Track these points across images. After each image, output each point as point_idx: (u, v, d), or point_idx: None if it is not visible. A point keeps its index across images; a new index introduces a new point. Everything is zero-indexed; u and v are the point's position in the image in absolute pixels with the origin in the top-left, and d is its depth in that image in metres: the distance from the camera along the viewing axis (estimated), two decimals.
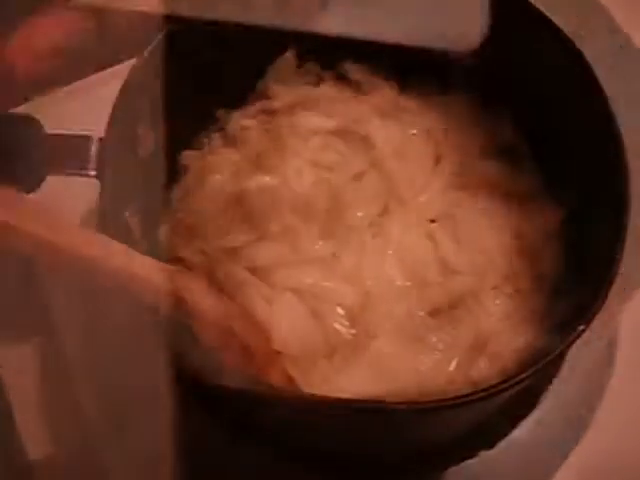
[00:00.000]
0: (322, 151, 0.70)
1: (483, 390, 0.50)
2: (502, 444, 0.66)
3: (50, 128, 0.59)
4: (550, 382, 0.68)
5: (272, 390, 0.54)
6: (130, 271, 0.51)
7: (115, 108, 0.58)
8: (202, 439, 0.66)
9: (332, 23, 0.55)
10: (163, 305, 0.52)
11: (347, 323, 0.62)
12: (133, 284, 0.51)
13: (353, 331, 0.62)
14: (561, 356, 0.55)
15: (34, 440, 0.68)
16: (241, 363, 0.57)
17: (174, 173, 0.70)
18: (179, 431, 0.66)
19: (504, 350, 0.62)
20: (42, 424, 0.69)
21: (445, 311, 0.64)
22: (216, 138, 0.71)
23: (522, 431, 0.67)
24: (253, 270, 0.63)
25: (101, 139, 0.57)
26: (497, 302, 0.65)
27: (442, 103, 0.73)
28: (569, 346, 0.52)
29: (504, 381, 0.50)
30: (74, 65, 0.81)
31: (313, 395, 0.55)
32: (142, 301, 0.52)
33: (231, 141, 0.70)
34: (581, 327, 0.51)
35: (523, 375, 0.50)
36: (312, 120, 0.71)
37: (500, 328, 0.63)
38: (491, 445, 0.66)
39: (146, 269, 0.52)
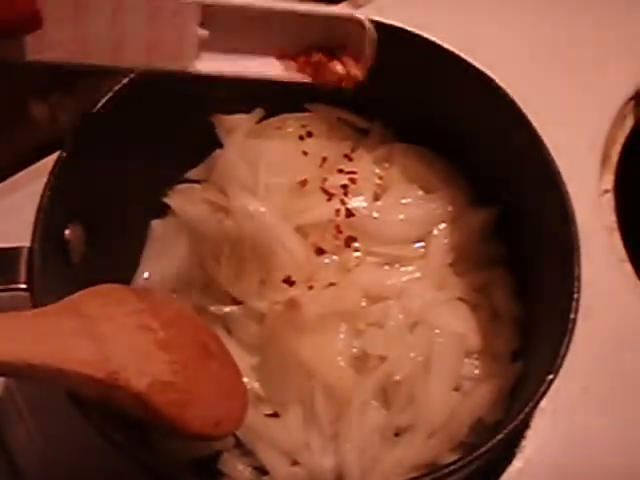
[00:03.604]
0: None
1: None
2: None
3: None
4: (527, 428, 0.66)
5: None
6: None
7: (38, 214, 0.56)
8: None
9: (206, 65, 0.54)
10: None
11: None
12: None
13: None
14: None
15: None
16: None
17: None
18: None
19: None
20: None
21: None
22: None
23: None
24: None
25: (29, 249, 0.55)
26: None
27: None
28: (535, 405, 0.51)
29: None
30: None
31: None
32: None
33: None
34: (550, 377, 0.51)
35: (477, 454, 0.50)
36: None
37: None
38: None
39: None
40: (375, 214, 0.66)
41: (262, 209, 0.64)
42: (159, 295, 0.64)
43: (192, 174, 0.71)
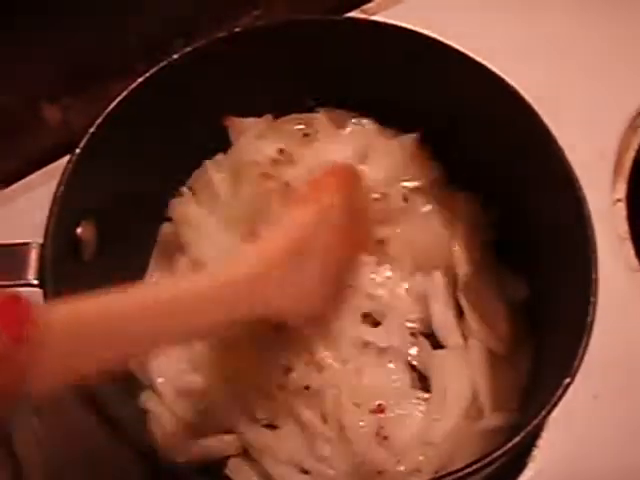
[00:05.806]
0: None
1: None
2: None
3: None
4: (539, 437, 0.65)
5: None
6: None
7: (51, 210, 0.56)
8: None
9: None
10: None
11: None
12: None
13: None
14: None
15: None
16: None
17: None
18: None
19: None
20: None
21: None
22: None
23: None
24: None
25: (42, 245, 0.55)
26: None
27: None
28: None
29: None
30: None
31: None
32: None
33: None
34: (567, 380, 0.50)
35: (492, 457, 0.48)
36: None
37: None
38: None
39: None
40: None
41: None
42: None
43: None
